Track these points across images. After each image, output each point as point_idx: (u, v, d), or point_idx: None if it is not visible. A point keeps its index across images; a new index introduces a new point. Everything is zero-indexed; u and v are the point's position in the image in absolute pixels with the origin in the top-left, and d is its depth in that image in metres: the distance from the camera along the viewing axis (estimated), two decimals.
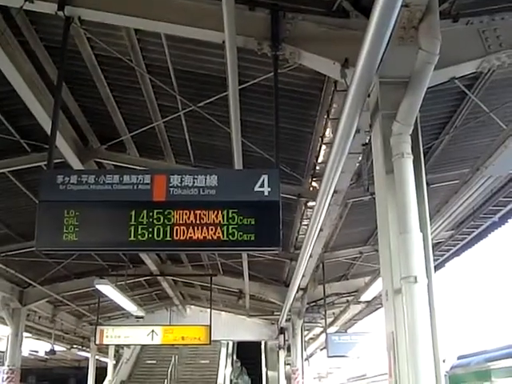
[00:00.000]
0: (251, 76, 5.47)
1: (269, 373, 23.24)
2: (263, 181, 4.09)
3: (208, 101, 5.87)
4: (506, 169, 6.02)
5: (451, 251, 11.58)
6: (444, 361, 8.34)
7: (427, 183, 4.18)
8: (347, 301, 14.64)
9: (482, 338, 30.27)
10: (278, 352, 21.12)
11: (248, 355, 23.52)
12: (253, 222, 3.97)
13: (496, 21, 4.46)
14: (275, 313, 18.12)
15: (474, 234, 10.47)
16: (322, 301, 13.35)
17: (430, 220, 4.05)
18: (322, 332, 17.06)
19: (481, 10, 4.50)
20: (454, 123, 6.60)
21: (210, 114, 6.10)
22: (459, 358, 10.03)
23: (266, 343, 23.65)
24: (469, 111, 6.30)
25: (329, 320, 14.90)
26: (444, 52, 3.59)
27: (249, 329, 20.77)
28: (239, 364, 21.60)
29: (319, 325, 17.39)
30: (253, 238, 3.95)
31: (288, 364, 19.75)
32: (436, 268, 8.19)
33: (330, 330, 15.09)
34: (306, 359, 16.86)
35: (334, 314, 16.20)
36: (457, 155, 7.66)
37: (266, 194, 4.06)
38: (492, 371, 8.40)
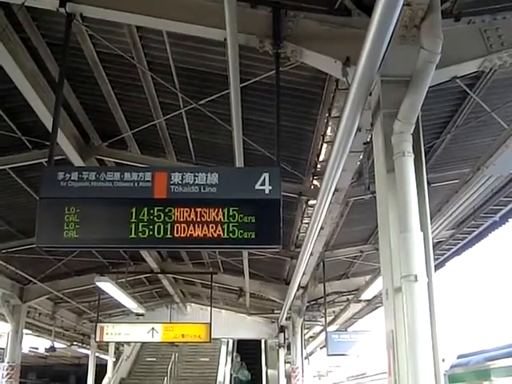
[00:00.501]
0: (253, 74, 5.46)
1: (269, 371, 23.23)
2: (264, 179, 4.08)
3: (209, 98, 5.86)
4: (506, 168, 6.01)
5: (452, 250, 11.57)
6: (443, 360, 8.32)
7: (428, 182, 4.17)
8: (347, 299, 14.63)
9: (482, 337, 30.27)
10: (278, 350, 21.13)
11: (248, 353, 23.53)
12: (253, 220, 3.95)
13: (498, 20, 4.46)
14: (275, 311, 18.14)
15: (475, 233, 10.46)
16: (323, 299, 13.34)
17: (431, 219, 4.04)
18: (322, 330, 17.06)
19: (483, 9, 4.49)
20: (455, 122, 6.59)
21: (212, 111, 6.09)
22: (459, 357, 10.02)
23: (266, 341, 23.67)
24: (470, 110, 6.30)
25: (329, 318, 14.89)
26: (446, 51, 3.58)
27: (249, 327, 20.79)
28: (239, 359, 21.60)
29: (319, 323, 17.39)
30: (253, 236, 3.93)
31: (288, 362, 19.75)
32: (436, 267, 8.16)
33: (330, 328, 15.10)
34: (306, 357, 16.84)
35: (334, 312, 16.20)
36: (458, 154, 7.66)
37: (267, 192, 4.05)
38: (491, 370, 8.40)
